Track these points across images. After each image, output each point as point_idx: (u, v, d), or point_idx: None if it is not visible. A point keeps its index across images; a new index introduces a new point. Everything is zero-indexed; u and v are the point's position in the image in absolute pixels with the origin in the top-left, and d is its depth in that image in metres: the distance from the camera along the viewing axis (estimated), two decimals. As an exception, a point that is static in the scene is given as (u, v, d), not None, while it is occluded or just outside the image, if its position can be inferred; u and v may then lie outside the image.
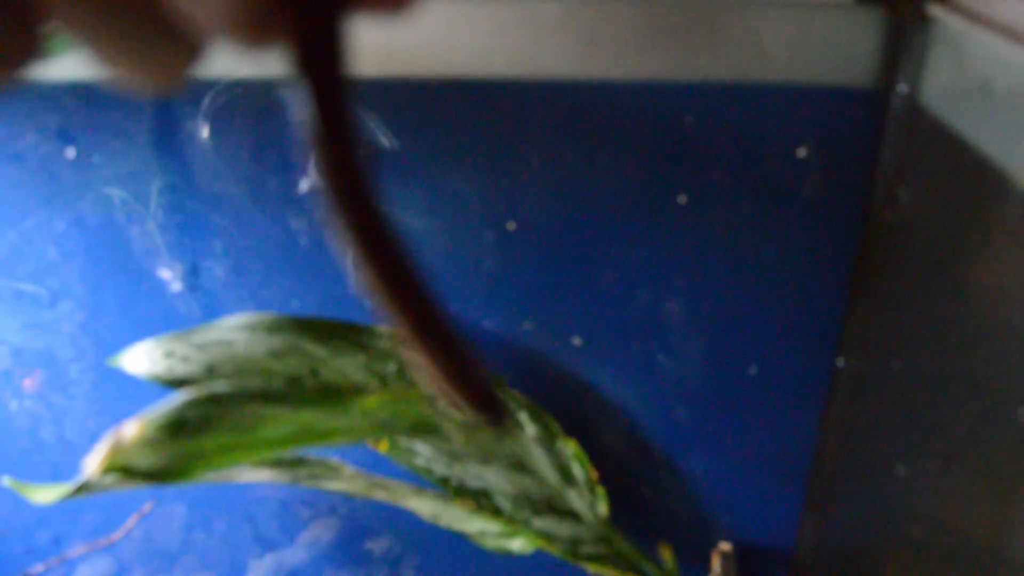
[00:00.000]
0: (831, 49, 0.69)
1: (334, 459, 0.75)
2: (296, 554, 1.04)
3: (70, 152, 0.79)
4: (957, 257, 0.62)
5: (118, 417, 0.66)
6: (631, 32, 0.69)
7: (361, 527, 1.02)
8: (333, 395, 0.64)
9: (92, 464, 0.58)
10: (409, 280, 0.20)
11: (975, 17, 0.57)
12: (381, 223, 0.20)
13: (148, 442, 0.58)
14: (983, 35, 0.55)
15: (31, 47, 0.19)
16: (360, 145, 0.20)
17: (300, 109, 0.19)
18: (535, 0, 0.69)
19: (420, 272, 0.20)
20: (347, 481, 0.75)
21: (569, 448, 0.80)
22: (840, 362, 0.82)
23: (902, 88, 0.68)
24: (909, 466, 0.70)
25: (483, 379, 0.21)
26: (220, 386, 0.60)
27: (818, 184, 0.74)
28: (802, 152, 0.72)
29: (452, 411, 0.21)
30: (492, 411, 0.21)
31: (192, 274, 0.85)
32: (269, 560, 1.04)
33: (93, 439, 0.67)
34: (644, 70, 0.71)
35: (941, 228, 0.65)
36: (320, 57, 0.19)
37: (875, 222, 0.74)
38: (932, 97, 0.65)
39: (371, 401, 0.63)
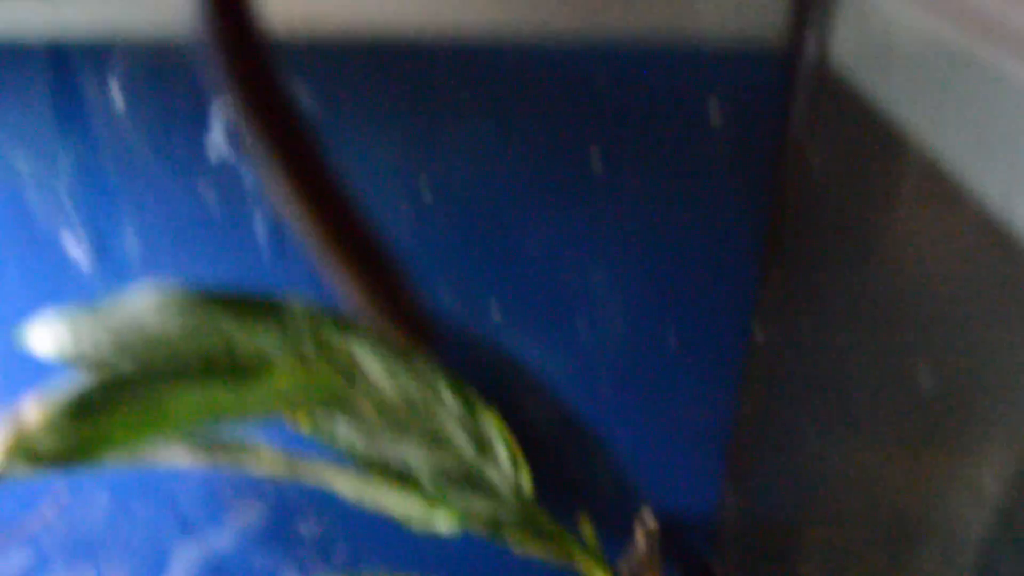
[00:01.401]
0: (741, 9, 0.69)
1: (255, 440, 0.74)
2: (222, 539, 1.02)
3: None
4: (864, 222, 0.63)
5: (17, 393, 0.63)
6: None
7: (290, 510, 1.00)
8: (244, 372, 0.63)
9: (-8, 448, 0.56)
10: (326, 185, 0.18)
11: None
12: (291, 122, 0.18)
13: (51, 426, 0.56)
14: None
15: None
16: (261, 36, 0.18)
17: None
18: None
19: (339, 180, 0.18)
20: (268, 462, 0.74)
21: (490, 421, 0.79)
22: (756, 329, 0.83)
23: (810, 49, 0.69)
24: (822, 434, 0.71)
25: (412, 298, 0.19)
26: (127, 364, 0.59)
27: (729, 147, 0.74)
28: (714, 114, 0.73)
29: (380, 333, 0.19)
30: (422, 332, 0.19)
31: (100, 242, 0.82)
32: (195, 545, 1.03)
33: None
34: (554, 26, 0.70)
35: (849, 192, 0.66)
36: None
37: (787, 188, 0.75)
38: (839, 58, 0.66)
39: (282, 378, 0.62)
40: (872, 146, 0.60)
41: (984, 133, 0.46)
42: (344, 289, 0.18)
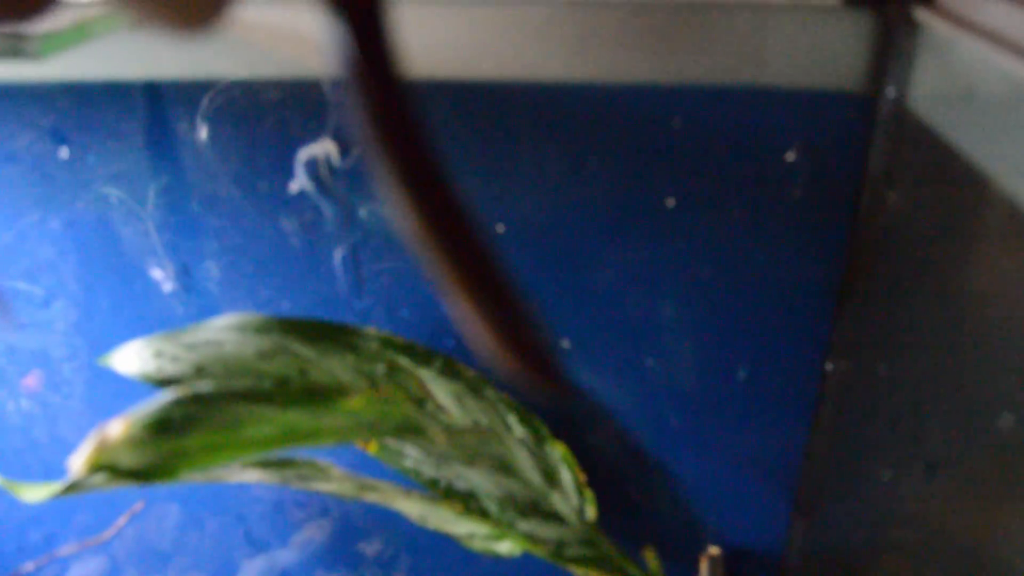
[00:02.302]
0: (820, 53, 0.69)
1: (323, 460, 0.75)
2: (288, 555, 1.04)
3: (63, 152, 0.80)
4: (943, 262, 0.62)
5: (111, 416, 0.66)
6: (620, 35, 0.70)
7: (353, 529, 1.02)
8: (319, 395, 0.64)
9: (77, 463, 0.58)
10: (459, 223, 0.17)
11: (960, 22, 0.57)
12: (429, 157, 0.17)
13: (133, 441, 0.58)
14: (968, 40, 0.55)
15: None
16: (402, 79, 0.18)
17: (336, 45, 0.17)
18: (524, 3, 0.69)
19: (471, 216, 0.18)
20: (336, 482, 0.75)
21: (557, 451, 0.80)
22: (829, 366, 0.82)
23: (890, 92, 0.68)
24: (895, 471, 0.70)
25: (538, 336, 0.18)
26: (206, 386, 0.61)
27: (807, 188, 0.74)
28: (791, 156, 0.73)
29: (508, 373, 0.19)
30: (547, 372, 0.18)
31: (185, 274, 0.85)
32: (261, 561, 1.05)
33: (86, 438, 0.67)
34: (632, 73, 0.71)
35: (928, 232, 0.65)
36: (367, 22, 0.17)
37: (864, 226, 0.74)
38: (919, 101, 0.65)
39: (357, 402, 0.63)
40: (952, 188, 0.60)
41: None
42: (473, 330, 0.18)
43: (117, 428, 0.59)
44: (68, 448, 0.95)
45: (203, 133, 0.78)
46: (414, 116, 0.17)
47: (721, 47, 0.69)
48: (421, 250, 0.18)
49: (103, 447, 0.59)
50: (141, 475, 0.59)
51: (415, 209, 0.17)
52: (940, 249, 0.63)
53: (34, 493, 0.69)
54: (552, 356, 0.18)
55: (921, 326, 0.66)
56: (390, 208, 0.18)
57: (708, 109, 0.72)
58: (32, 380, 0.93)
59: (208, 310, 0.86)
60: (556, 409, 0.85)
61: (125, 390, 0.84)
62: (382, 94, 0.17)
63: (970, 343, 0.58)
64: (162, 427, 0.59)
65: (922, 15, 0.63)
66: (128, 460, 0.59)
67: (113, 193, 0.82)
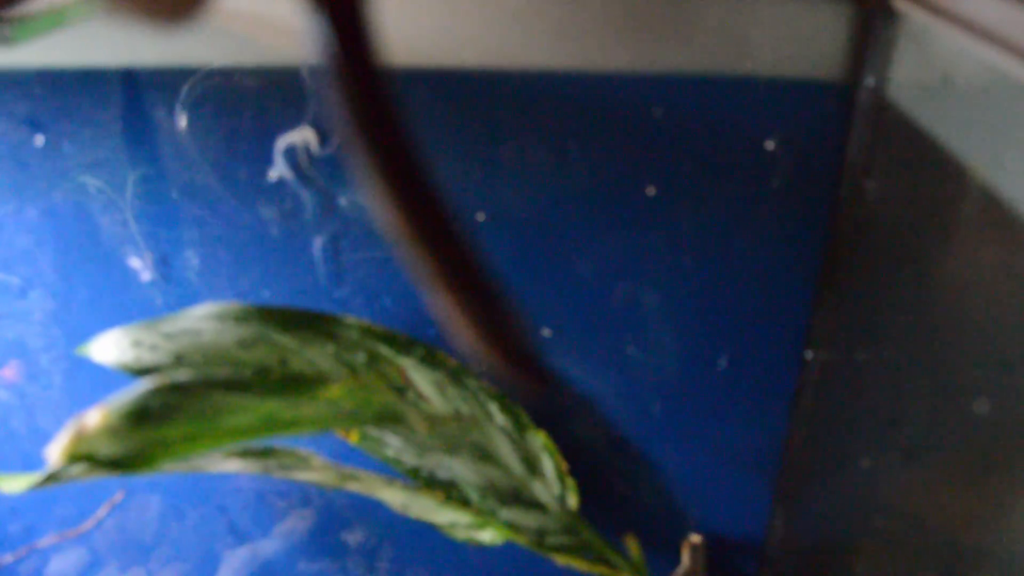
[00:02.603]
0: (799, 42, 0.69)
1: (304, 449, 0.75)
2: (271, 545, 1.04)
3: (39, 140, 0.79)
4: (920, 250, 0.62)
5: (89, 406, 0.65)
6: (600, 24, 0.70)
7: (336, 518, 1.02)
8: (299, 384, 0.64)
9: (55, 453, 0.58)
10: (437, 216, 0.17)
11: (938, 11, 0.57)
12: (407, 149, 0.17)
13: (111, 430, 0.58)
14: (945, 29, 0.56)
15: None
16: (382, 75, 0.18)
17: (317, 37, 0.17)
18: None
19: (449, 209, 0.17)
20: (317, 471, 0.75)
21: (538, 439, 0.80)
22: (808, 355, 0.83)
23: (869, 81, 0.69)
24: (874, 458, 0.70)
25: (521, 334, 0.18)
26: (184, 375, 0.60)
27: (786, 177, 0.74)
28: (770, 145, 0.73)
29: (490, 368, 0.18)
30: (531, 368, 0.18)
31: (163, 263, 0.84)
32: (243, 551, 1.04)
33: (64, 428, 0.66)
34: (613, 62, 0.71)
35: (906, 221, 0.65)
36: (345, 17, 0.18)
37: (843, 215, 0.75)
38: (898, 91, 0.66)
39: (337, 390, 0.63)
40: (929, 176, 0.60)
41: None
42: (455, 326, 0.17)
43: (95, 417, 0.59)
44: (47, 439, 0.94)
45: (182, 121, 0.77)
46: (392, 106, 0.17)
47: (702, 36, 0.69)
48: (400, 243, 0.17)
49: (81, 437, 0.59)
50: (120, 465, 0.59)
51: (393, 201, 0.17)
52: (918, 238, 0.63)
53: (12, 484, 0.68)
54: (532, 350, 0.19)
55: (899, 314, 0.66)
56: (369, 199, 0.17)
57: (689, 98, 0.72)
58: (9, 371, 0.92)
59: (187, 299, 0.85)
60: (538, 401, 0.85)
61: (103, 380, 0.83)
62: (361, 84, 0.17)
63: (947, 331, 0.58)
64: (141, 416, 0.58)
65: (901, 4, 0.63)
66: (106, 449, 0.59)
67: (91, 182, 0.81)
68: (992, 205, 0.52)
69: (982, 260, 0.54)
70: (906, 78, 0.64)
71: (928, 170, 0.61)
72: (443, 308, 0.18)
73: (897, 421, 0.66)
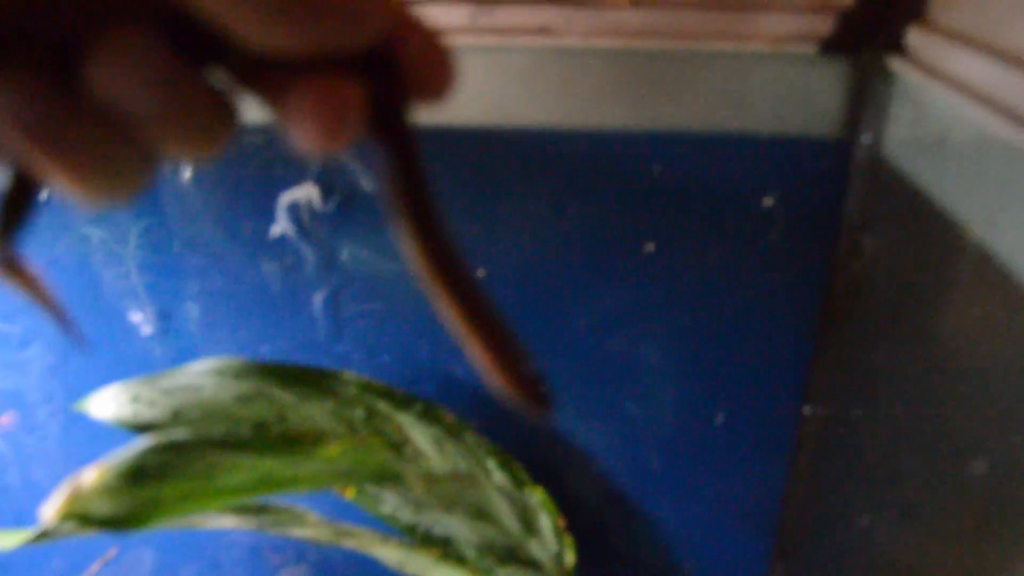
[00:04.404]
0: (797, 100, 0.70)
1: (299, 506, 0.74)
2: (265, 601, 1.02)
3: (44, 192, 0.80)
4: (917, 307, 0.63)
5: (86, 461, 0.65)
6: (601, 82, 0.71)
7: (331, 575, 1.00)
8: (296, 443, 0.63)
9: (50, 511, 0.57)
10: (466, 279, 0.23)
11: (932, 71, 0.59)
12: (436, 211, 0.22)
13: (107, 489, 0.58)
14: (939, 89, 0.57)
15: None
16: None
17: (381, 173, 0.22)
18: (507, 50, 0.70)
19: (473, 272, 0.22)
20: (313, 528, 0.74)
21: (536, 496, 0.79)
22: (807, 410, 0.83)
23: (865, 139, 0.70)
24: (872, 515, 0.70)
25: (531, 368, 0.23)
26: (181, 433, 0.60)
27: (784, 233, 0.74)
28: (768, 201, 0.73)
29: (503, 394, 0.23)
30: (538, 397, 0.23)
31: (164, 316, 0.84)
32: (237, 607, 1.03)
33: (59, 483, 0.66)
34: (613, 120, 0.72)
35: (903, 278, 0.66)
36: (396, 135, 0.23)
37: (840, 271, 0.75)
38: (894, 148, 0.67)
39: (334, 449, 0.63)
40: (925, 235, 0.60)
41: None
42: (476, 359, 0.22)
43: (91, 476, 0.59)
44: (41, 492, 0.94)
45: (186, 175, 0.78)
46: (426, 178, 0.23)
47: (701, 95, 0.70)
48: (431, 291, 0.22)
49: (76, 495, 0.58)
50: (114, 523, 0.59)
51: (426, 256, 0.22)
52: (914, 295, 0.63)
53: (6, 540, 0.68)
54: (540, 380, 0.23)
55: (896, 371, 0.66)
56: (406, 257, 0.22)
57: (687, 155, 0.73)
58: (5, 420, 0.91)
59: (187, 353, 0.85)
60: (541, 422, 0.85)
61: (101, 434, 0.83)
62: (404, 160, 0.23)
63: (943, 389, 0.58)
64: (137, 475, 0.58)
65: (896, 64, 0.64)
66: (101, 508, 0.58)
67: (94, 233, 0.82)
68: (987, 263, 0.52)
69: (978, 318, 0.55)
70: (902, 137, 0.65)
71: (924, 227, 0.61)
72: (465, 343, 0.22)
73: (895, 479, 0.66)
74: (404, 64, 0.22)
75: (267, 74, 0.21)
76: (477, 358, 0.23)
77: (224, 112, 0.21)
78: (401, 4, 0.21)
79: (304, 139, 0.20)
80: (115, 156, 0.20)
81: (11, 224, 0.23)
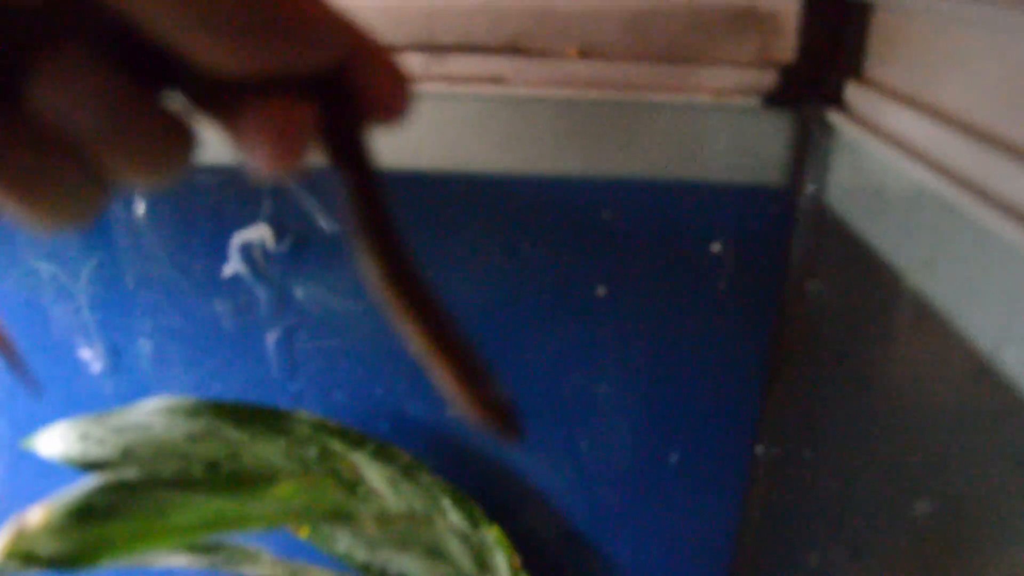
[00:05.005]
0: (743, 150, 0.72)
1: (253, 545, 0.74)
2: (214, 643, 1.00)
3: (-6, 226, 0.79)
4: (860, 350, 0.64)
5: (33, 500, 0.64)
6: (551, 129, 0.72)
7: (283, 614, 0.99)
8: (248, 481, 0.63)
9: (-7, 551, 0.56)
10: (431, 303, 0.23)
11: (869, 125, 0.61)
12: (400, 242, 0.23)
13: (53, 528, 0.57)
14: (876, 143, 0.59)
15: None
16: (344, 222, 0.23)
17: (340, 196, 0.23)
18: (458, 98, 0.71)
19: (440, 299, 0.22)
20: (267, 567, 0.74)
21: (491, 535, 0.79)
22: (758, 450, 0.84)
23: (809, 188, 0.72)
24: (822, 554, 0.71)
25: (498, 391, 0.23)
26: (131, 472, 0.60)
27: (732, 278, 0.76)
28: (716, 247, 0.75)
29: (472, 419, 0.23)
30: (506, 420, 0.23)
31: (115, 353, 0.84)
32: (186, 650, 1.01)
33: (4, 521, 0.65)
34: (563, 166, 0.73)
35: (847, 322, 0.67)
36: (353, 158, 0.23)
37: (788, 315, 0.77)
38: (836, 198, 0.69)
39: (286, 488, 0.63)
40: (867, 281, 0.62)
41: (973, 281, 0.48)
42: (443, 385, 0.22)
43: (37, 514, 0.58)
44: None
45: (139, 210, 0.78)
46: (385, 199, 0.23)
47: (649, 143, 0.72)
48: (395, 317, 0.22)
49: (21, 534, 0.57)
50: (61, 563, 0.58)
51: (388, 278, 0.22)
52: (857, 338, 0.65)
53: (-54, 583, 0.66)
54: (508, 403, 0.23)
55: (843, 412, 0.68)
56: (370, 286, 0.22)
57: (636, 202, 0.74)
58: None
59: (138, 390, 0.85)
60: (509, 444, 0.85)
61: (48, 472, 0.81)
62: (361, 181, 0.23)
63: (887, 430, 0.60)
64: (85, 514, 0.57)
65: (835, 117, 0.66)
66: (47, 547, 0.57)
67: (45, 268, 0.81)
68: (924, 309, 0.54)
69: (917, 362, 0.56)
70: (843, 187, 0.67)
71: (865, 274, 0.63)
72: (433, 368, 0.23)
73: (844, 518, 0.67)
74: (359, 85, 0.22)
75: (221, 96, 0.21)
76: (443, 382, 0.23)
77: (177, 135, 0.20)
78: (355, 27, 0.21)
79: (256, 159, 0.20)
80: (64, 179, 0.19)
81: None
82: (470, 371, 0.23)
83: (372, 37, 0.22)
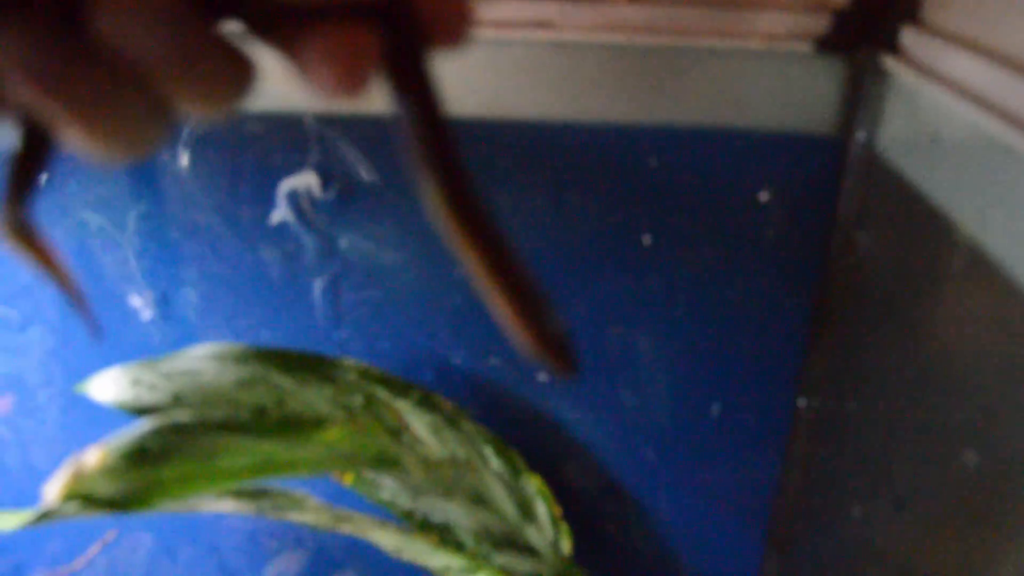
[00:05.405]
0: (792, 97, 0.71)
1: (299, 491, 0.75)
2: (261, 586, 1.03)
3: (43, 177, 0.80)
4: (909, 302, 0.63)
5: (85, 444, 0.66)
6: (599, 76, 0.71)
7: (328, 560, 1.01)
8: (296, 426, 0.64)
9: (52, 491, 0.58)
10: (496, 234, 0.22)
11: (926, 71, 0.59)
12: (471, 185, 0.22)
13: (109, 470, 0.58)
14: (932, 88, 0.57)
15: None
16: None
17: (400, 124, 0.22)
18: (506, 44, 0.70)
19: (498, 223, 0.22)
20: (311, 513, 0.75)
21: (532, 484, 0.80)
22: (801, 402, 0.83)
23: (860, 136, 0.70)
24: (866, 506, 0.71)
25: (557, 324, 0.22)
26: (183, 415, 0.61)
27: (779, 228, 0.75)
28: (764, 196, 0.74)
29: (529, 351, 0.23)
30: (563, 354, 0.23)
31: (163, 302, 0.85)
32: (234, 591, 1.04)
33: (59, 465, 0.66)
34: (610, 113, 0.72)
35: (895, 273, 0.66)
36: (417, 84, 0.22)
37: (834, 266, 0.76)
38: (888, 146, 0.67)
39: (333, 433, 0.64)
40: (918, 231, 0.61)
41: (1032, 227, 0.47)
42: (502, 315, 0.22)
43: (93, 457, 0.59)
44: (39, 475, 0.94)
45: (184, 160, 0.78)
46: (448, 125, 0.22)
47: (697, 90, 0.71)
48: (459, 246, 0.22)
49: (79, 476, 0.59)
50: (116, 504, 0.59)
51: (450, 206, 0.22)
52: (907, 289, 0.64)
53: (5, 521, 0.68)
54: (566, 336, 0.23)
55: (889, 364, 0.67)
56: (434, 220, 0.22)
57: (683, 150, 0.73)
58: (3, 404, 0.92)
59: (187, 338, 0.86)
60: (565, 379, 0.86)
61: (100, 418, 0.84)
62: (423, 107, 0.22)
63: (935, 381, 0.59)
64: (139, 456, 0.59)
65: (889, 63, 0.65)
66: (104, 489, 0.59)
67: (92, 219, 0.82)
68: (978, 259, 0.53)
69: (969, 313, 0.55)
70: (896, 135, 0.66)
71: (917, 224, 0.62)
72: (494, 304, 0.22)
73: (888, 470, 0.67)
74: (420, 9, 0.22)
75: (282, 23, 0.20)
76: (501, 312, 0.22)
77: (238, 63, 0.20)
78: None
79: (321, 85, 0.20)
80: (127, 105, 0.19)
81: (23, 186, 0.23)
82: (531, 302, 0.22)
83: None
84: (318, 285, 0.82)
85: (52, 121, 0.19)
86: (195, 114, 0.21)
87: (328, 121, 0.74)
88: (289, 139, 0.76)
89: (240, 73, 0.21)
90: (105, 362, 0.75)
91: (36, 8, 0.18)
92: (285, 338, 0.85)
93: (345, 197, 0.78)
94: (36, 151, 0.22)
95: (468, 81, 0.72)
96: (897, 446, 0.66)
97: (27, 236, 0.24)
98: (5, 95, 0.19)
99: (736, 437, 0.86)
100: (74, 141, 0.20)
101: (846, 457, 0.76)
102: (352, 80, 0.20)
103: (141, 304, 0.85)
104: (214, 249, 0.82)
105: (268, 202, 0.78)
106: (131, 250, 0.83)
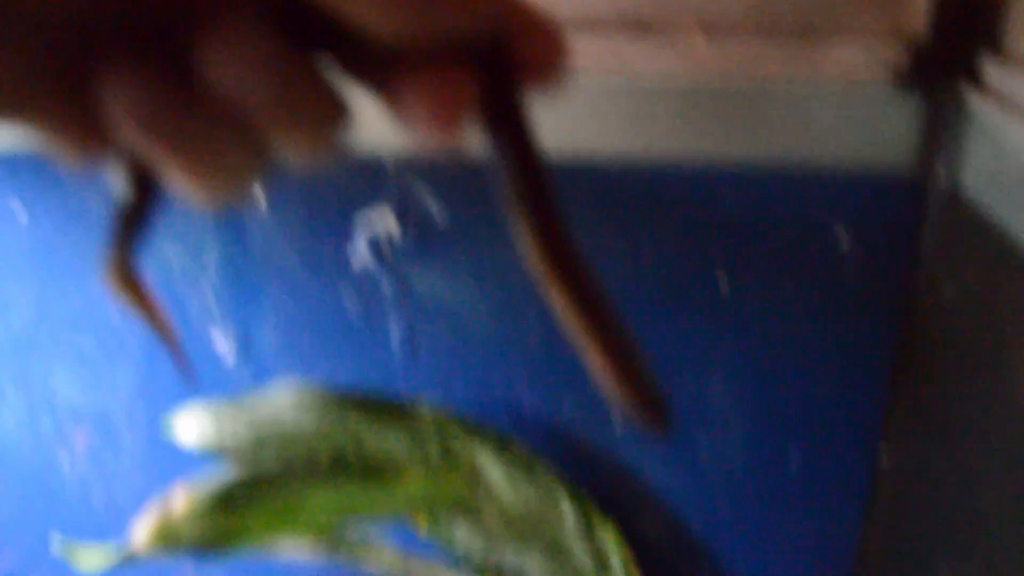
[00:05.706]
0: (869, 133, 0.69)
1: (374, 539, 0.75)
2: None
3: (149, 224, 0.82)
4: (998, 351, 0.62)
5: (164, 480, 0.67)
6: (673, 116, 0.71)
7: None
8: (375, 474, 0.65)
9: (141, 534, 0.59)
10: (591, 283, 0.22)
11: (1010, 104, 0.57)
12: (570, 237, 0.22)
13: (197, 515, 0.60)
14: (1019, 124, 0.56)
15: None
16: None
17: (496, 168, 0.22)
18: (579, 81, 0.71)
19: (594, 273, 0.22)
20: (387, 561, 0.76)
21: (607, 534, 0.79)
22: (883, 455, 0.81)
23: (942, 175, 0.68)
24: (953, 564, 0.69)
25: (651, 378, 0.22)
26: (266, 461, 0.62)
27: (858, 272, 0.74)
28: (842, 236, 0.73)
29: (621, 405, 0.23)
30: (657, 409, 0.23)
31: (244, 341, 0.86)
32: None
33: (139, 501, 0.68)
34: (685, 153, 0.72)
35: (983, 321, 0.65)
36: (513, 127, 0.22)
37: (917, 312, 0.74)
38: (972, 185, 0.65)
39: (411, 481, 0.64)
40: (1007, 275, 0.59)
41: None
42: (595, 368, 0.22)
43: (181, 501, 0.61)
44: (120, 511, 0.96)
45: (264, 200, 0.80)
46: (545, 169, 0.22)
47: (771, 127, 0.70)
48: (553, 295, 0.22)
49: (167, 519, 0.60)
50: (201, 547, 0.61)
51: (545, 254, 0.22)
52: (995, 338, 0.62)
53: (91, 560, 0.70)
54: (660, 391, 0.23)
55: (977, 417, 0.65)
56: (532, 272, 0.22)
57: (758, 190, 0.72)
58: (82, 435, 0.94)
59: (266, 375, 0.87)
60: (604, 484, 0.85)
61: (178, 454, 0.85)
62: (521, 151, 0.22)
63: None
64: (225, 503, 0.60)
65: (971, 97, 0.63)
66: (191, 532, 0.60)
67: (174, 255, 0.84)
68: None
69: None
70: (980, 173, 0.64)
71: (1006, 269, 0.60)
72: (588, 355, 0.22)
73: (977, 528, 0.65)
74: (517, 52, 0.21)
75: (378, 63, 0.20)
76: (594, 364, 0.22)
77: (336, 102, 0.20)
78: None
79: (416, 125, 0.20)
80: (231, 149, 0.20)
81: (130, 232, 0.23)
82: (625, 355, 0.22)
83: (528, 2, 0.22)
84: (395, 326, 0.83)
85: (160, 167, 0.19)
86: (293, 155, 0.21)
87: (406, 163, 0.75)
88: (369, 180, 0.77)
89: (338, 112, 0.21)
90: (185, 398, 0.76)
91: (147, 56, 0.18)
92: (362, 378, 0.86)
93: (422, 239, 0.79)
94: (143, 198, 0.22)
95: (543, 122, 0.72)
96: (986, 502, 0.64)
97: (131, 283, 0.24)
98: (115, 141, 0.19)
99: (816, 489, 0.84)
100: (180, 185, 0.20)
101: (932, 513, 0.73)
102: (449, 120, 0.20)
103: (223, 342, 0.87)
104: (292, 290, 0.83)
105: (346, 243, 0.80)
106: (211, 289, 0.85)
